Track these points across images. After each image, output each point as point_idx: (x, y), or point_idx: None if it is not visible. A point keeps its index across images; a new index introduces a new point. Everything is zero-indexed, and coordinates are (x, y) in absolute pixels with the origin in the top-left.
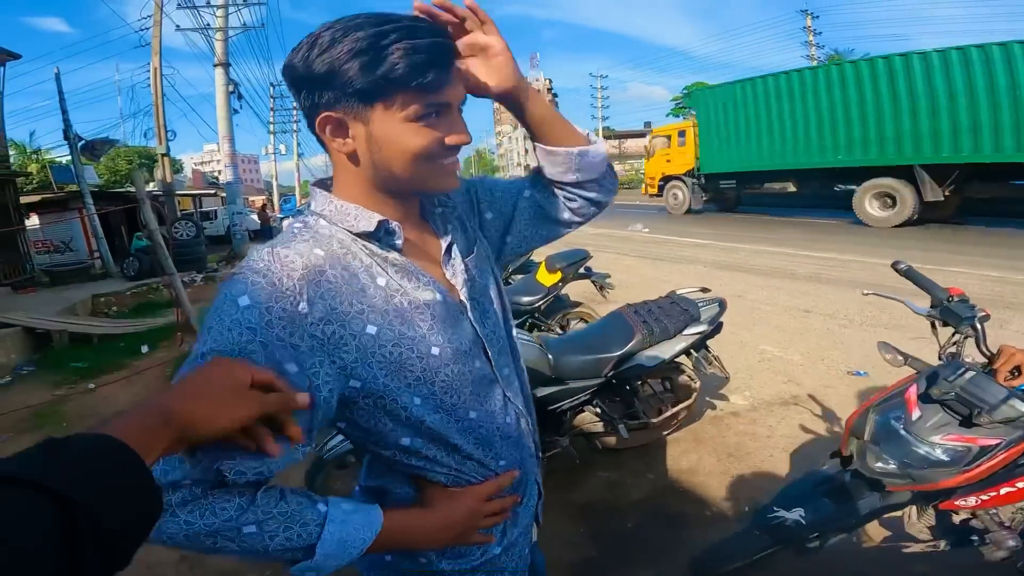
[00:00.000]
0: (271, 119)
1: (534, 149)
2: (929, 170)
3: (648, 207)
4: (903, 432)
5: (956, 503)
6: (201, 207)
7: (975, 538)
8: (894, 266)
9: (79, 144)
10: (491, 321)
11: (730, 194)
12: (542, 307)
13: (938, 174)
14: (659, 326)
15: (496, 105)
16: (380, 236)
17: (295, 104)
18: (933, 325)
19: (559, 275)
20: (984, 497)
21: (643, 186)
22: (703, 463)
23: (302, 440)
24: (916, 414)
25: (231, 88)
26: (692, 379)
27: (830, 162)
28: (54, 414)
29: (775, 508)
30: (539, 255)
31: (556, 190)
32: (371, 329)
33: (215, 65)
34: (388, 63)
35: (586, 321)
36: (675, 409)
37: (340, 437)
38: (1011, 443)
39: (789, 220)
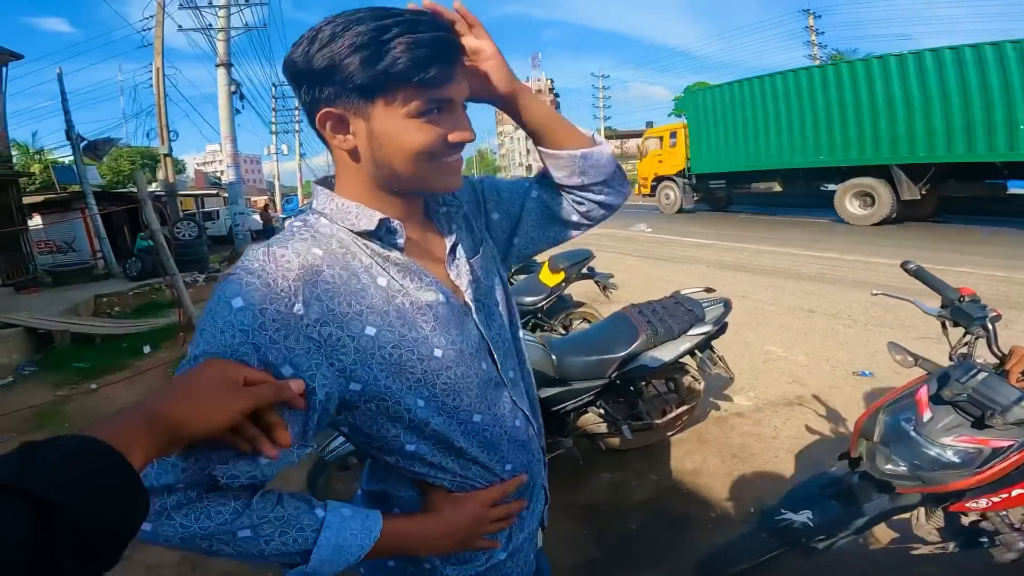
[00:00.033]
0: (273, 119)
1: (539, 154)
2: (905, 169)
3: (650, 207)
4: (914, 433)
5: (967, 505)
6: (203, 207)
7: (984, 540)
8: (903, 266)
9: (82, 144)
10: (497, 323)
11: (720, 194)
12: (545, 307)
13: (914, 174)
14: (663, 327)
15: None
16: (381, 235)
17: (296, 104)
18: (944, 325)
19: (562, 275)
20: (996, 499)
21: (635, 186)
22: (707, 464)
23: (288, 445)
24: (927, 415)
25: (233, 88)
26: (696, 380)
27: (812, 162)
28: (56, 414)
29: (782, 510)
30: (542, 255)
31: (565, 193)
32: (370, 330)
33: (217, 65)
34: (389, 57)
35: (589, 321)
36: (679, 410)
37: (342, 439)
38: None
39: (791, 220)
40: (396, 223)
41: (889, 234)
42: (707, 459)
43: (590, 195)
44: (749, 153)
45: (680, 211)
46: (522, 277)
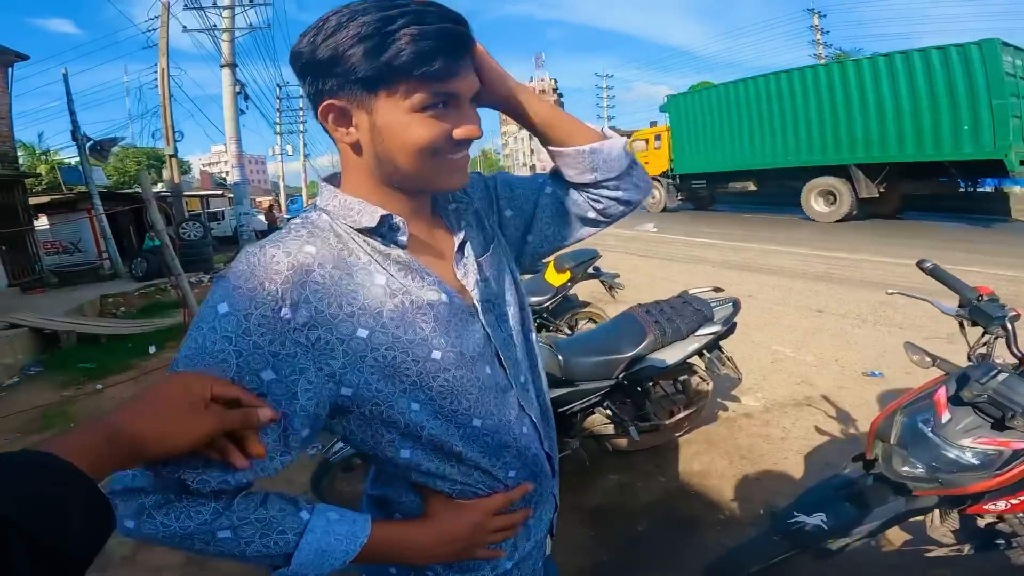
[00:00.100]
0: (278, 120)
1: (548, 154)
2: (863, 169)
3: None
4: (932, 435)
5: (985, 507)
6: (208, 208)
7: (1001, 542)
8: (919, 264)
9: (87, 145)
10: (507, 325)
11: (702, 193)
12: (550, 307)
13: (871, 173)
14: (671, 327)
15: None
16: (383, 232)
17: (301, 104)
18: (961, 325)
19: (568, 275)
20: (1014, 501)
21: None
22: (715, 465)
23: (261, 455)
24: (946, 416)
25: (238, 89)
26: (704, 380)
27: (782, 163)
28: (61, 414)
29: (795, 512)
30: None
31: (581, 191)
32: (362, 332)
33: (222, 66)
34: (393, 49)
35: (595, 321)
36: (687, 411)
37: None
38: None
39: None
40: (399, 220)
41: (911, 235)
42: (715, 460)
43: (605, 191)
44: (726, 154)
45: (664, 210)
46: (527, 277)
